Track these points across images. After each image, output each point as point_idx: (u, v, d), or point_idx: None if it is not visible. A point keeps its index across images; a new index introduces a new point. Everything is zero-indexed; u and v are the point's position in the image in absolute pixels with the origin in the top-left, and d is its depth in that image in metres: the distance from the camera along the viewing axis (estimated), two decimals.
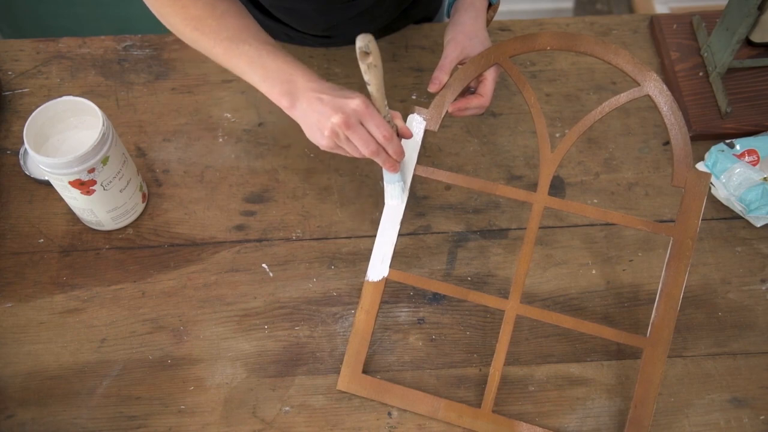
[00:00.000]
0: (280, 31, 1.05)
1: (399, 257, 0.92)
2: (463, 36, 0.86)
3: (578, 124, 0.84)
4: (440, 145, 0.99)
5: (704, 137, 1.00)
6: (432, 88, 0.85)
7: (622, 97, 0.83)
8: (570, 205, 0.84)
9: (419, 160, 0.86)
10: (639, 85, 0.83)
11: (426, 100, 1.03)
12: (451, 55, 0.85)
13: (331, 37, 1.05)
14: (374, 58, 0.70)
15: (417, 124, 0.86)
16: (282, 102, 0.78)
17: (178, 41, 1.07)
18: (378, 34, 1.06)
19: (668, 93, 0.83)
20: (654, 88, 0.83)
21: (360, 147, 0.76)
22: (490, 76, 0.85)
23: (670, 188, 0.97)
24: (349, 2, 0.96)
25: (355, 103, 0.75)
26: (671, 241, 0.81)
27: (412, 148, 0.85)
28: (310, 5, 0.97)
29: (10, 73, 1.04)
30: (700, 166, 0.96)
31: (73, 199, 0.86)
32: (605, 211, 0.83)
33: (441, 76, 0.85)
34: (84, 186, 0.84)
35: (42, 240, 0.92)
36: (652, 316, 0.80)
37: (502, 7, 1.02)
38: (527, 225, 0.83)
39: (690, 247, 0.80)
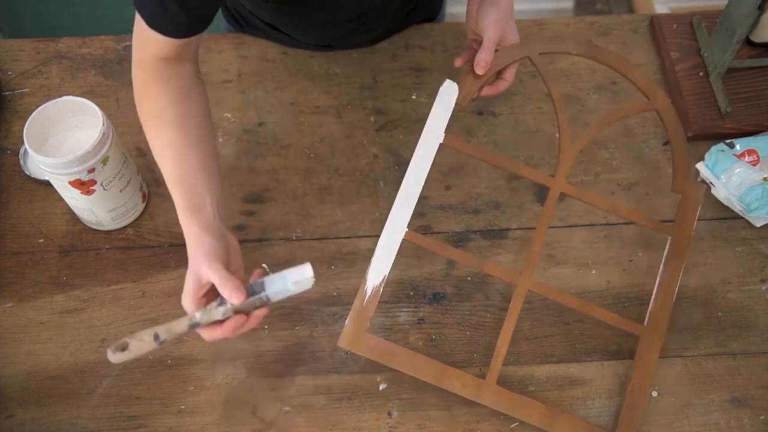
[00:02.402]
0: (282, 40, 1.05)
1: (399, 257, 0.91)
2: (503, 18, 0.86)
3: (600, 121, 0.90)
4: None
5: (704, 137, 1.00)
6: (480, 70, 0.85)
7: (634, 107, 0.92)
8: (583, 193, 0.87)
9: (448, 129, 0.85)
10: (648, 99, 0.90)
11: (426, 99, 1.03)
12: (494, 36, 0.85)
13: (333, 47, 1.05)
14: (128, 357, 0.71)
15: (449, 92, 0.86)
16: None
17: None
18: (380, 38, 1.06)
19: (673, 110, 0.90)
20: (661, 104, 0.90)
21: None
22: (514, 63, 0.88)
23: (670, 188, 0.97)
24: (352, 22, 0.96)
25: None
26: (669, 240, 0.86)
27: (442, 116, 0.85)
28: (311, 22, 0.98)
29: (10, 73, 1.04)
30: (700, 167, 0.96)
31: (73, 199, 0.86)
32: (614, 202, 0.88)
33: (487, 57, 0.85)
34: (84, 186, 0.84)
35: (42, 240, 0.92)
36: (650, 305, 0.84)
37: None
38: (544, 206, 0.86)
39: (686, 246, 0.86)
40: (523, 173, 0.87)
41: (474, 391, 0.79)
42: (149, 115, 0.79)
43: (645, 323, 0.84)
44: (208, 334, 0.73)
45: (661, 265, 0.85)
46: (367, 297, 0.80)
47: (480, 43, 0.87)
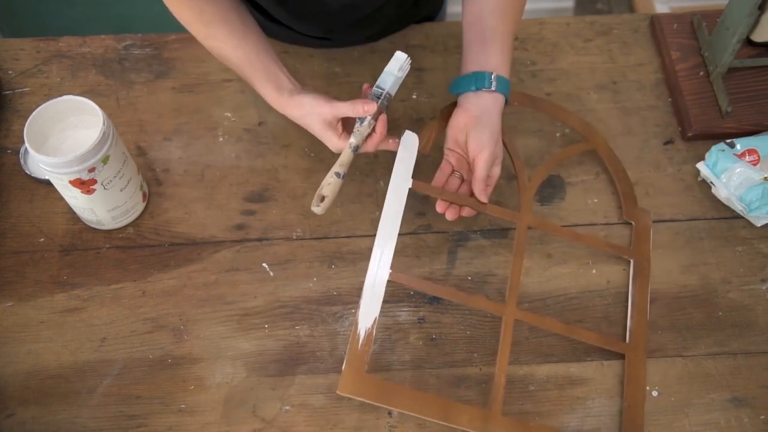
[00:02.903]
0: (281, 33, 1.05)
1: (399, 257, 0.92)
2: (494, 140, 0.87)
3: (546, 163, 0.96)
4: (440, 145, 0.99)
5: (705, 137, 1.00)
6: (484, 199, 0.88)
7: (575, 148, 0.98)
8: (547, 224, 0.92)
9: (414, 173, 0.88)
10: (587, 140, 0.98)
11: (426, 99, 1.03)
12: (488, 161, 0.87)
13: (332, 39, 1.05)
14: (329, 202, 0.84)
15: (410, 141, 0.89)
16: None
17: (179, 40, 1.07)
18: (379, 35, 1.07)
19: (609, 147, 0.98)
20: (598, 143, 0.98)
21: None
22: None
23: (671, 187, 0.97)
24: (348, 11, 0.96)
25: None
26: (632, 262, 0.91)
27: (407, 163, 0.88)
28: (310, 14, 0.98)
29: (10, 72, 1.04)
30: (701, 166, 0.96)
31: (74, 198, 0.86)
32: (576, 233, 0.92)
33: (485, 187, 0.88)
34: (84, 185, 0.84)
35: (42, 239, 0.92)
36: (628, 324, 0.88)
37: None
38: (516, 241, 0.89)
39: (647, 267, 0.91)
40: (492, 212, 0.90)
41: (481, 425, 0.79)
42: (211, 19, 0.86)
43: (627, 341, 0.87)
44: (370, 147, 0.86)
45: (630, 285, 0.90)
46: (361, 341, 0.79)
47: (458, 156, 0.89)
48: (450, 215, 0.88)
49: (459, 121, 0.88)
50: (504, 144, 0.92)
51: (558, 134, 1.01)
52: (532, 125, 1.01)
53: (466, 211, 0.89)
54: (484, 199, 0.87)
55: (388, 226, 0.85)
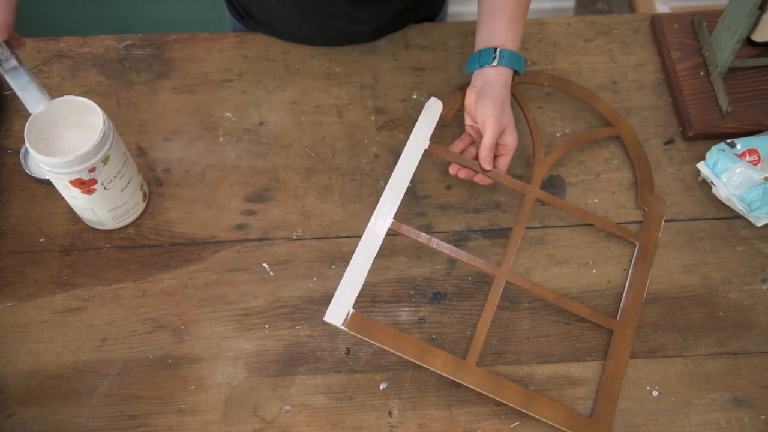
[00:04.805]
0: (282, 33, 1.05)
1: (400, 256, 0.92)
2: (499, 109, 0.90)
3: (568, 141, 0.97)
4: (441, 145, 0.99)
5: (705, 137, 1.00)
6: (488, 166, 0.91)
7: (601, 132, 0.99)
8: (555, 200, 0.93)
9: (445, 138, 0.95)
10: (613, 126, 1.00)
11: (426, 99, 1.03)
12: (495, 132, 0.89)
13: (333, 40, 1.05)
14: None
15: (434, 107, 0.95)
16: None
17: (179, 40, 1.07)
18: (379, 34, 1.07)
19: (635, 135, 0.99)
20: (624, 130, 1.00)
21: None
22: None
23: (671, 187, 0.97)
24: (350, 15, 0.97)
25: None
26: (637, 246, 0.92)
27: (427, 126, 0.93)
28: (311, 23, 0.99)
29: None
30: (701, 166, 0.96)
31: (74, 198, 0.86)
32: (585, 211, 0.93)
33: (490, 154, 0.90)
34: (85, 185, 0.84)
35: (43, 239, 0.92)
36: (622, 302, 0.89)
37: None
38: (521, 209, 0.92)
39: (652, 252, 0.92)
40: (501, 180, 0.93)
41: (454, 371, 0.81)
42: None
43: (618, 318, 0.88)
44: None
45: (631, 267, 0.91)
46: (356, 271, 0.83)
47: (477, 129, 0.93)
48: (462, 174, 0.92)
49: (469, 98, 0.92)
50: (526, 117, 0.96)
51: (558, 134, 1.01)
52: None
53: (479, 178, 0.92)
54: (487, 166, 0.90)
55: (398, 181, 0.89)
